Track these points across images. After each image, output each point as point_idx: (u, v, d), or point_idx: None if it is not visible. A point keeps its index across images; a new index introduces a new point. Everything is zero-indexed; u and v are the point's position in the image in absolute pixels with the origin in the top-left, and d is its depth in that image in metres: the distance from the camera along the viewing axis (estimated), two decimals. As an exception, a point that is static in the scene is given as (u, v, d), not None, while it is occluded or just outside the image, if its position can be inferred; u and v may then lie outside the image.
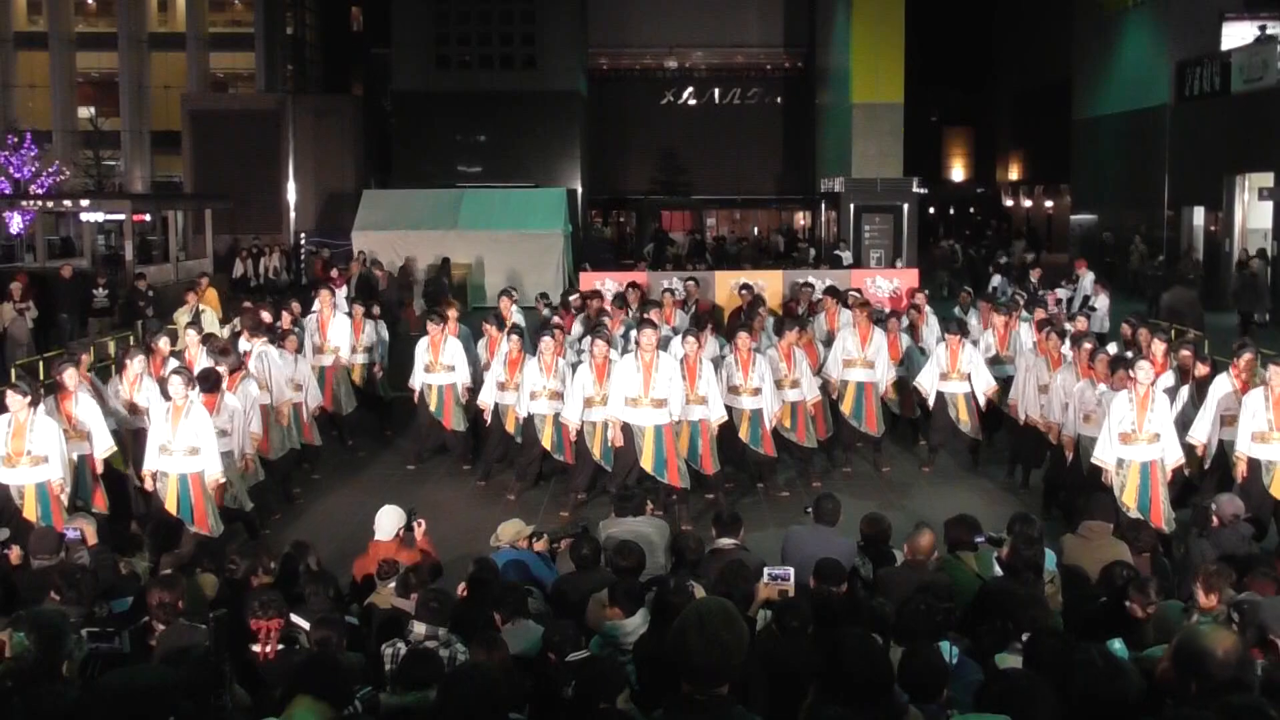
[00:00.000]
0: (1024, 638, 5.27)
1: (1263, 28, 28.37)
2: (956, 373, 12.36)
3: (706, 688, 3.51)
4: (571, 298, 16.27)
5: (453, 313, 13.49)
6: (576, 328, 14.17)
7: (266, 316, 13.35)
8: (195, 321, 14.10)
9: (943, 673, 4.66)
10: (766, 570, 6.28)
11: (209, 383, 9.99)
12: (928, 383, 12.53)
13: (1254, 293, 22.88)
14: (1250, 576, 6.34)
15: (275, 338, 12.25)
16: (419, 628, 5.72)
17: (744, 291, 16.21)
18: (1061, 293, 19.10)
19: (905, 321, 14.01)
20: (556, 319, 14.23)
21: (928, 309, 14.75)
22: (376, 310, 14.72)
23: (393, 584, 6.87)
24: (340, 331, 13.50)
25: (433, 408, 12.58)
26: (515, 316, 13.74)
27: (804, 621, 5.49)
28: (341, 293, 17.99)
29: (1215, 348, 14.72)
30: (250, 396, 10.57)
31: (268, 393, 11.35)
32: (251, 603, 5.80)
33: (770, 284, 17.84)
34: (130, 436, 10.44)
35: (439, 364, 12.56)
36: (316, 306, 13.81)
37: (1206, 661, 4.03)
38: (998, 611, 5.71)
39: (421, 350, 12.74)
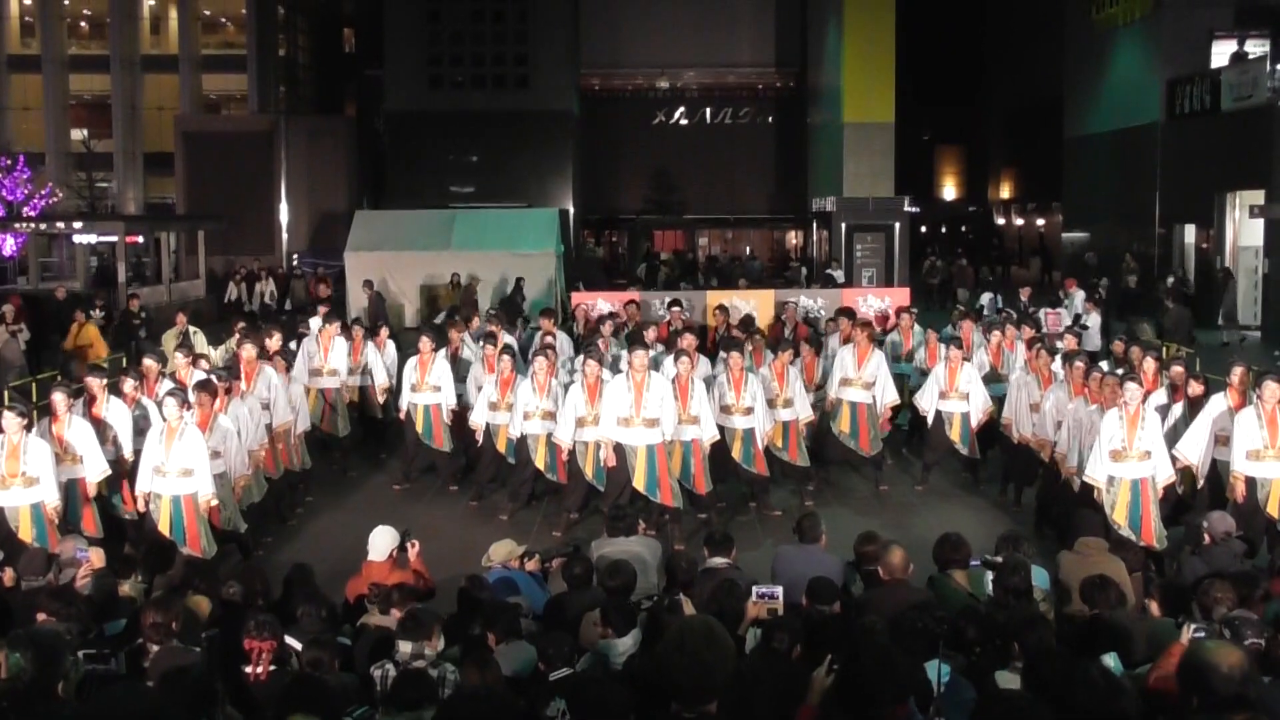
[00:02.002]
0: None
1: (1241, 42, 28.59)
2: (955, 392, 12.38)
3: (694, 706, 3.52)
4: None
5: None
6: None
7: (272, 340, 12.92)
8: (185, 343, 14.05)
9: (928, 693, 4.68)
10: (755, 589, 6.28)
11: (208, 389, 10.10)
12: (926, 402, 12.57)
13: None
14: (1249, 597, 6.37)
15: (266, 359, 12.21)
16: (404, 646, 5.72)
17: (719, 313, 16.18)
18: (1063, 311, 19.04)
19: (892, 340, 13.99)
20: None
21: (916, 327, 14.77)
22: (385, 333, 14.64)
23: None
24: (340, 355, 13.51)
25: (419, 428, 12.57)
26: (506, 338, 13.75)
27: (792, 640, 5.50)
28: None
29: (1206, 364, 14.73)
30: (241, 418, 10.57)
31: (268, 413, 11.35)
32: (248, 623, 5.80)
33: (761, 303, 17.82)
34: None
35: (425, 384, 12.54)
36: (318, 328, 13.88)
37: (1211, 676, 4.03)
38: (996, 631, 5.71)
39: (409, 370, 12.74)
